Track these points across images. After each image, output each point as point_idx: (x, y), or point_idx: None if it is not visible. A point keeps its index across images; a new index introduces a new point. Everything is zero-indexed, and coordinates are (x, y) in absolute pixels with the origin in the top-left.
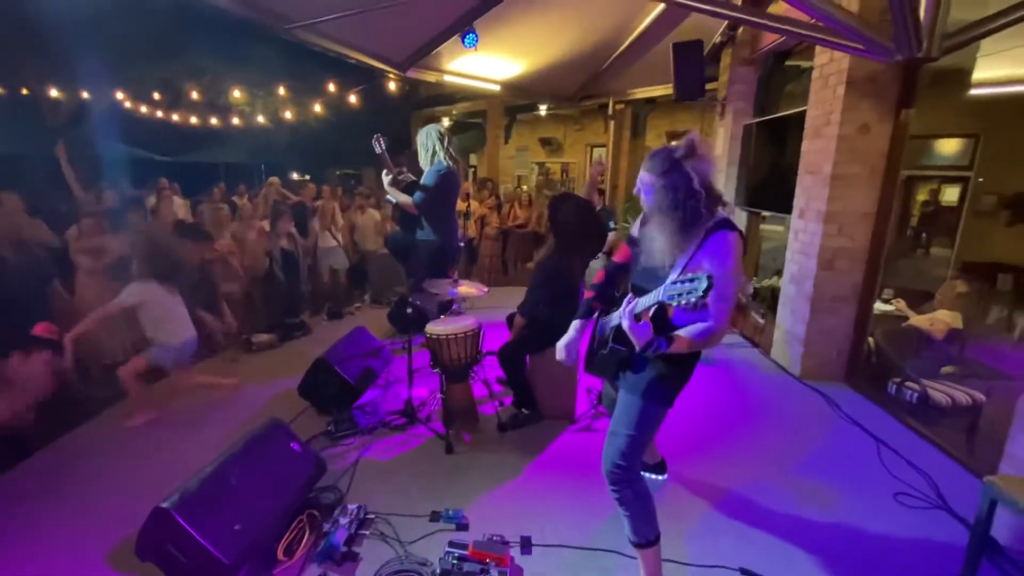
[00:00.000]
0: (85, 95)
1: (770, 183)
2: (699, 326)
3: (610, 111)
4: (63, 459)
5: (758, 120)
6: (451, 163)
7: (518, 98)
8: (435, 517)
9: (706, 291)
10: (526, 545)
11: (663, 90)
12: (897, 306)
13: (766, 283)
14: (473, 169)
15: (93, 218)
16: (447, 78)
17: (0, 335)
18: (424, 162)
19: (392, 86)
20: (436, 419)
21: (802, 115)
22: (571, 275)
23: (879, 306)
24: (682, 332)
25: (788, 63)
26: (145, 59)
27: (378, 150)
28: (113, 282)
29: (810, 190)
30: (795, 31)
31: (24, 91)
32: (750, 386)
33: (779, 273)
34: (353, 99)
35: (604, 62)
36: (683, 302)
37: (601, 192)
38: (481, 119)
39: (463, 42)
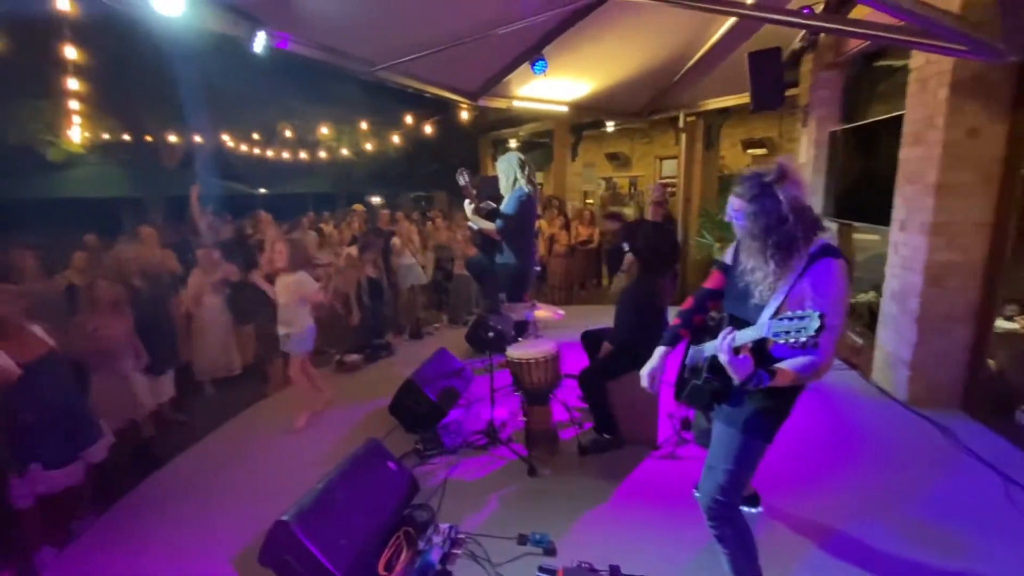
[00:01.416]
0: (196, 139)
1: (862, 192)
2: (804, 359)
3: (681, 124)
4: (192, 469)
5: (846, 127)
6: (530, 188)
7: (585, 117)
8: (522, 540)
9: (818, 331)
10: (615, 574)
11: (737, 99)
12: (1023, 323)
13: (862, 298)
14: (540, 186)
15: (213, 248)
16: (516, 103)
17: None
18: (505, 188)
19: (463, 114)
20: (516, 440)
21: (896, 119)
22: (659, 299)
23: (1001, 324)
24: (785, 365)
25: (878, 64)
26: (246, 104)
27: (462, 182)
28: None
29: (912, 201)
30: (885, 36)
31: (147, 138)
32: (849, 412)
33: (877, 288)
34: (427, 128)
35: (674, 76)
36: (791, 340)
37: (660, 204)
38: (548, 138)
39: (532, 69)
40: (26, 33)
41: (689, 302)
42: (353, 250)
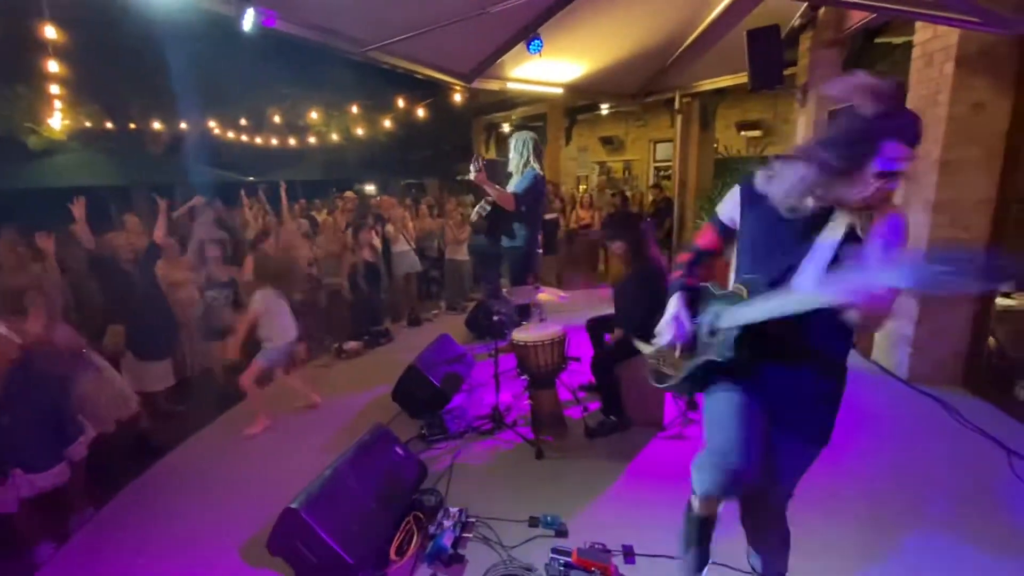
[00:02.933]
0: (183, 125)
1: None
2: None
3: (676, 105)
4: (191, 460)
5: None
6: (542, 171)
7: (580, 99)
8: (534, 523)
9: None
10: (629, 554)
11: (733, 80)
12: (1022, 300)
13: None
14: None
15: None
16: (510, 85)
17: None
18: (516, 166)
19: (456, 97)
20: (522, 424)
21: None
22: (660, 279)
23: (1001, 301)
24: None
25: (878, 40)
26: (234, 88)
27: (475, 169)
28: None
29: (914, 178)
30: (896, 8)
31: (132, 125)
32: (850, 391)
33: None
34: (419, 112)
35: (670, 57)
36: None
37: (657, 187)
38: (541, 122)
39: (528, 49)
40: (2, 12)
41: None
42: (347, 236)
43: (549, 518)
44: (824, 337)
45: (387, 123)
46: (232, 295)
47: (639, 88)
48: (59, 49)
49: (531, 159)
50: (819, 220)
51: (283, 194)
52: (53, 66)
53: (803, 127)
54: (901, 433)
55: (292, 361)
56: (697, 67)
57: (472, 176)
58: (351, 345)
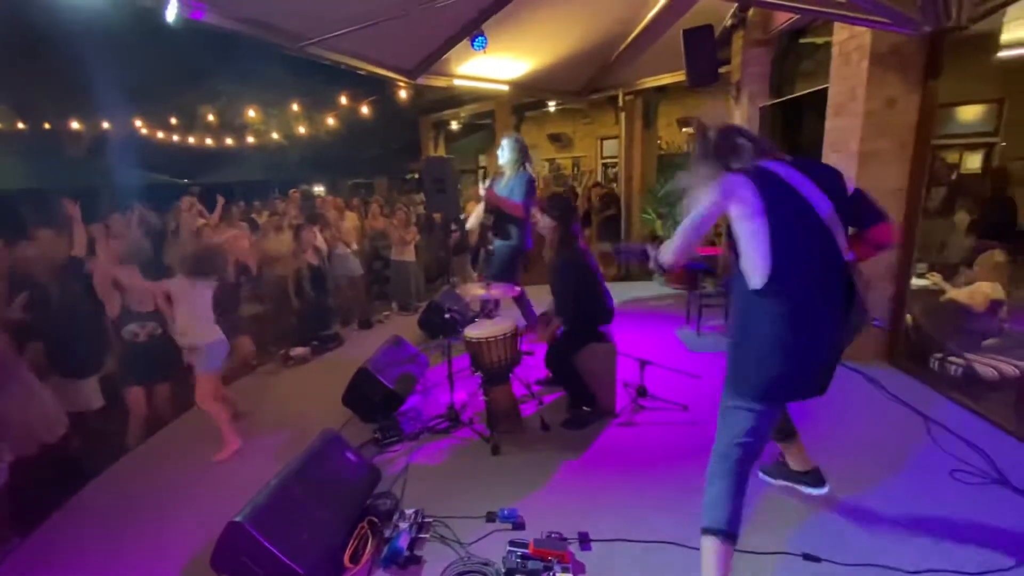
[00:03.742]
0: (105, 125)
1: None
2: None
3: (620, 102)
4: (126, 480)
5: (775, 101)
6: (533, 173)
7: (526, 96)
8: (491, 517)
9: None
10: (584, 541)
11: (673, 77)
12: (933, 280)
13: None
14: (483, 170)
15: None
16: (456, 82)
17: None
18: (510, 166)
19: (402, 94)
20: (479, 421)
21: (821, 93)
22: (588, 257)
23: (915, 281)
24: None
25: (803, 40)
26: (162, 86)
27: (483, 190)
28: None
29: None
30: (813, 9)
31: (46, 125)
32: None
33: None
34: (364, 110)
35: (612, 54)
36: None
37: (599, 185)
38: (490, 119)
39: (472, 45)
40: None
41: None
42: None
43: (506, 512)
44: None
45: (331, 121)
46: (159, 327)
47: (584, 85)
48: None
49: (525, 161)
50: None
51: (219, 200)
52: None
53: (738, 122)
54: (827, 405)
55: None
56: (638, 65)
57: (482, 193)
58: (298, 351)
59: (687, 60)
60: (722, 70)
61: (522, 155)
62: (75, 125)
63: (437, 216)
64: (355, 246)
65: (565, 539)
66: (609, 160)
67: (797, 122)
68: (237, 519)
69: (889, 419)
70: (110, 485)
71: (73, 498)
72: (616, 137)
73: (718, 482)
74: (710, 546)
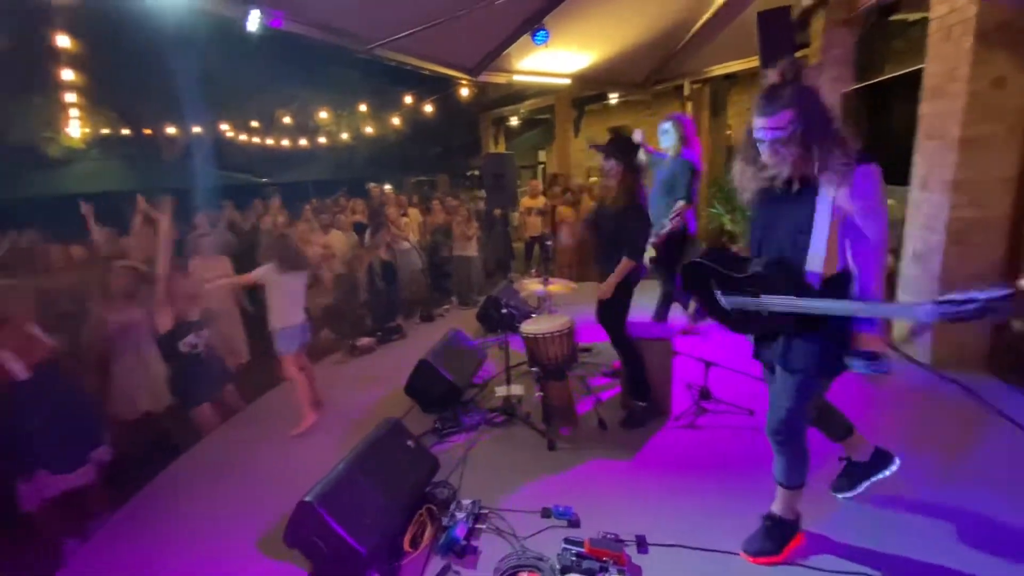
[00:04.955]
0: (196, 130)
1: (878, 153)
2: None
3: (686, 92)
4: (207, 458)
5: (860, 85)
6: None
7: (587, 90)
8: (546, 513)
9: None
10: (642, 544)
11: (744, 64)
12: None
13: None
14: (542, 166)
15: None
16: (517, 77)
17: None
18: (673, 150)
19: (463, 92)
20: (535, 416)
21: (915, 74)
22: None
23: None
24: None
25: (893, 18)
26: (244, 92)
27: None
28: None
29: (933, 157)
30: None
31: (146, 131)
32: (872, 389)
33: (894, 252)
34: (427, 109)
35: (679, 43)
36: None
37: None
38: (549, 114)
39: (533, 40)
40: (18, 23)
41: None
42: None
43: (561, 509)
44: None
45: (396, 121)
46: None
47: (647, 76)
48: (72, 58)
49: (686, 144)
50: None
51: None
52: (67, 75)
53: None
54: (924, 418)
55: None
56: (706, 53)
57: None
58: (364, 341)
59: (761, 44)
60: (799, 53)
61: (686, 136)
62: (171, 130)
63: (497, 211)
64: (416, 241)
65: (621, 541)
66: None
67: (886, 108)
68: (307, 499)
69: (998, 438)
70: (194, 461)
71: (162, 473)
72: None
73: None
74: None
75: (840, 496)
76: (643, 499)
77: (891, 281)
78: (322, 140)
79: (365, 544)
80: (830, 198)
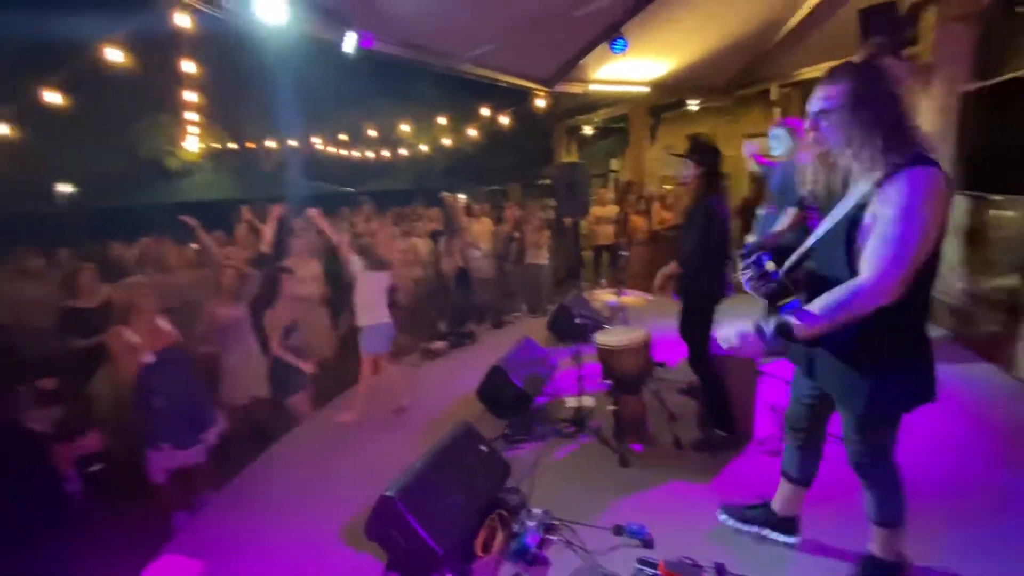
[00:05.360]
0: (291, 143)
1: (1002, 159)
2: (841, 291)
3: (773, 96)
4: (296, 447)
5: (980, 86)
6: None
7: (666, 97)
8: (618, 531)
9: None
10: (722, 572)
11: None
12: None
13: (1001, 282)
14: (614, 174)
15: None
16: (593, 87)
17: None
18: (786, 159)
19: (538, 103)
20: (606, 429)
21: None
22: (724, 229)
23: None
24: (815, 305)
25: (1021, 9)
26: (334, 108)
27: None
28: None
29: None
30: None
31: (249, 144)
32: (989, 410)
33: (1020, 270)
34: (503, 120)
35: (764, 47)
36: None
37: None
38: (623, 123)
39: (612, 49)
40: (148, 50)
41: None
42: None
43: (634, 527)
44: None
45: (472, 132)
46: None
47: (729, 81)
48: (194, 81)
49: (795, 149)
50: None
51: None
52: (190, 96)
53: (930, 112)
54: None
55: (392, 350)
56: (798, 54)
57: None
58: (437, 345)
59: (863, 43)
60: (907, 52)
61: (800, 141)
62: (269, 144)
63: (567, 220)
64: (488, 249)
65: (700, 567)
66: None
67: (1012, 109)
68: (389, 494)
69: None
70: (287, 450)
71: (258, 458)
72: (765, 135)
73: None
74: None
75: (722, 518)
76: (719, 526)
77: (1014, 304)
78: (403, 152)
79: (442, 544)
80: (860, 195)
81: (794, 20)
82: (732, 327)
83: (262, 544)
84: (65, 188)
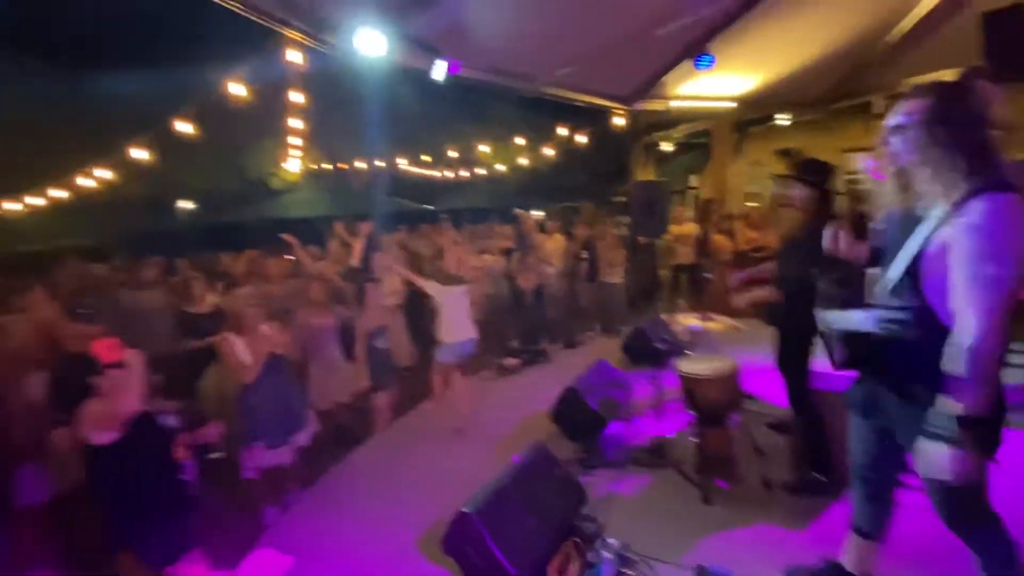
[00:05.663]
0: (378, 164)
1: None
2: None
3: (878, 109)
4: (376, 453)
5: None
6: None
7: (753, 112)
8: (701, 572)
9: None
10: None
11: (956, 75)
12: None
13: None
14: (693, 190)
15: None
16: (675, 103)
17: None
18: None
19: (616, 120)
20: (688, 463)
21: None
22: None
23: None
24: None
25: None
26: (420, 130)
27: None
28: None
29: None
30: None
31: (342, 166)
32: None
33: None
34: (578, 138)
35: (872, 53)
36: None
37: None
38: (705, 138)
39: (696, 66)
40: (263, 82)
41: None
42: (495, 259)
43: (719, 570)
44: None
45: (548, 151)
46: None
47: (825, 94)
48: (299, 109)
49: None
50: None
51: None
52: (295, 123)
53: None
54: None
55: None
56: (906, 63)
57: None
58: (510, 362)
59: (988, 51)
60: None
61: None
62: (360, 165)
63: (641, 239)
64: (560, 267)
65: None
66: (850, 175)
67: None
68: (466, 510)
69: None
70: (367, 456)
71: (342, 461)
72: (865, 149)
73: None
74: None
75: None
76: None
77: None
78: (481, 171)
79: (516, 566)
80: (936, 221)
81: (906, 24)
82: (929, 452)
83: (345, 546)
84: (185, 205)
